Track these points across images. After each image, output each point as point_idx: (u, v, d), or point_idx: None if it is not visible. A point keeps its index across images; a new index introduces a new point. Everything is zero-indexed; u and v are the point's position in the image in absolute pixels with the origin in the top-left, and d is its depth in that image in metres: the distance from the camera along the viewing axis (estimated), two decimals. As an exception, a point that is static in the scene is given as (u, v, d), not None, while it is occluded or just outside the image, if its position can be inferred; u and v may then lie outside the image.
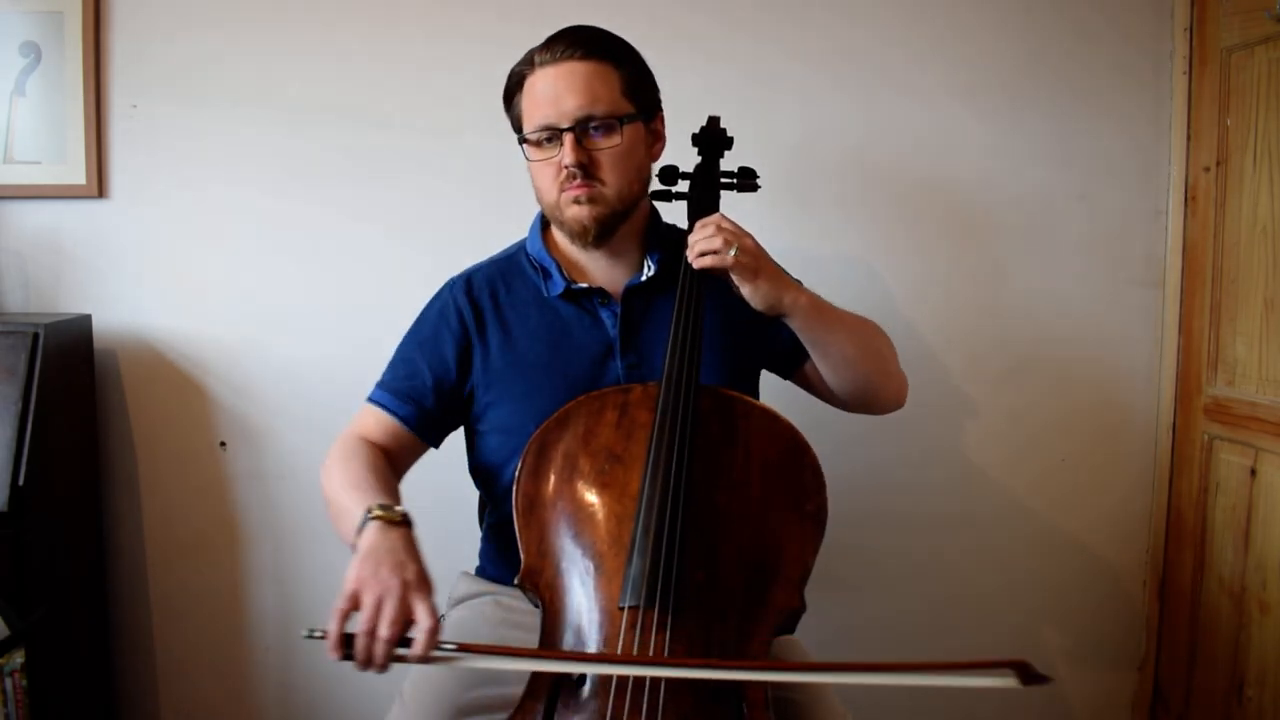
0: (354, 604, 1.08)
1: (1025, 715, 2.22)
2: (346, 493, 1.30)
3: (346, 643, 1.07)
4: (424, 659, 1.06)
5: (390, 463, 1.41)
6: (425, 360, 1.46)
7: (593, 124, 1.34)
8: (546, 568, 1.25)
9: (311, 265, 2.09)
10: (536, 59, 1.36)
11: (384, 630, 1.06)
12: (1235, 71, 1.96)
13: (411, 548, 1.17)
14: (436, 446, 1.50)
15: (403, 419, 1.44)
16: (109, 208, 2.06)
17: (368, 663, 1.08)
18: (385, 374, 1.49)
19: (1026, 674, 1.04)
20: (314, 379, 2.09)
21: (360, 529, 1.19)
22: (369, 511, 1.19)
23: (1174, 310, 2.13)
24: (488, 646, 1.13)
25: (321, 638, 1.07)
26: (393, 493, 1.31)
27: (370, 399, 1.47)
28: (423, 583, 1.12)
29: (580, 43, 1.35)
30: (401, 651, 1.07)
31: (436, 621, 1.08)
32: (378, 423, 1.45)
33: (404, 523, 1.19)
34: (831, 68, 2.08)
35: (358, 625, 1.07)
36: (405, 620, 1.08)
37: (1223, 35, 1.99)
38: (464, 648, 1.09)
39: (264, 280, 2.09)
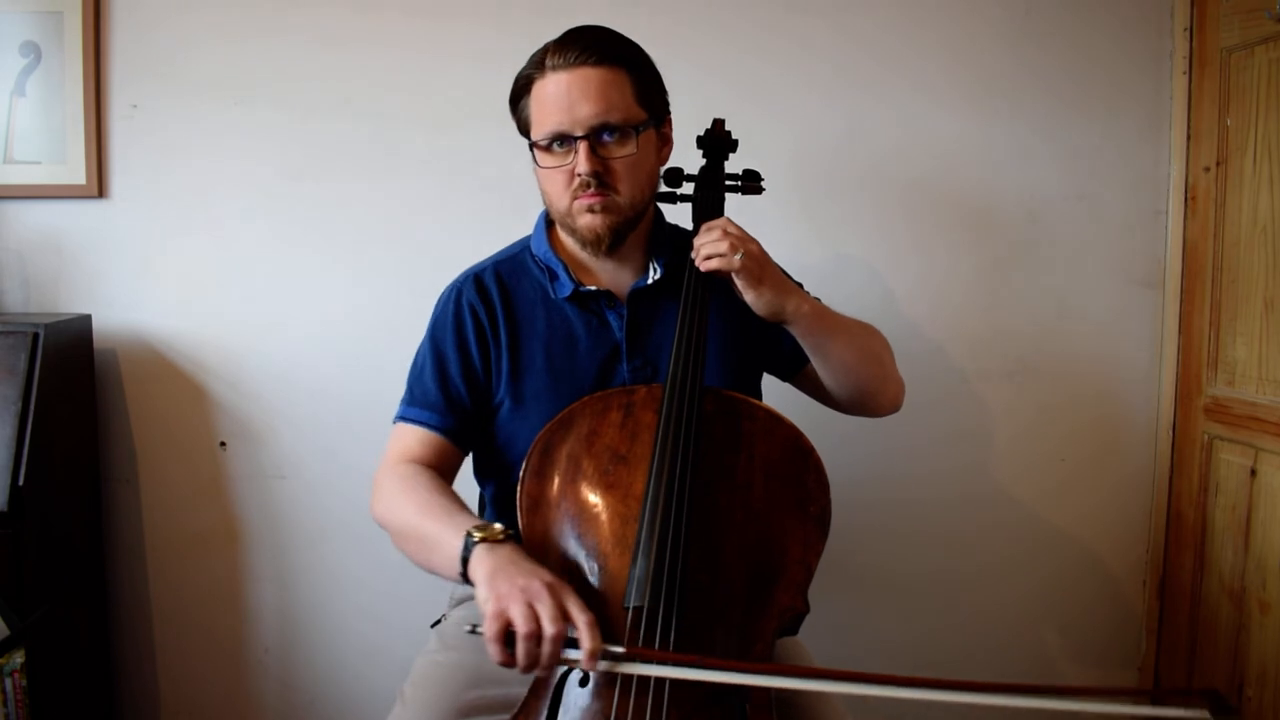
0: (505, 621, 1.07)
1: (1026, 713, 2.22)
2: (427, 524, 1.26)
3: (508, 642, 1.07)
4: (594, 655, 1.06)
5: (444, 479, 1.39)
6: (452, 364, 1.43)
7: (607, 132, 1.32)
8: (550, 568, 1.24)
9: (312, 265, 2.09)
10: (547, 62, 1.33)
11: (550, 628, 1.05)
12: (1235, 71, 1.96)
13: (528, 556, 1.16)
14: (467, 453, 1.47)
15: (444, 431, 1.41)
16: (109, 208, 2.06)
17: (533, 666, 1.07)
18: (411, 391, 1.45)
19: (1219, 706, 0.98)
20: (314, 379, 2.09)
21: (467, 557, 1.17)
22: (470, 536, 1.17)
23: (1174, 310, 2.13)
24: (655, 653, 1.10)
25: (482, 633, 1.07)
26: (470, 511, 1.29)
27: (404, 418, 1.43)
28: (564, 583, 1.12)
29: (594, 47, 1.32)
30: (570, 655, 1.06)
31: (593, 617, 1.07)
32: (419, 442, 1.40)
33: (510, 539, 1.18)
34: (833, 70, 2.08)
35: (519, 631, 1.06)
36: (564, 615, 1.07)
37: (1223, 35, 1.99)
38: (631, 651, 1.08)
39: (264, 280, 2.09)
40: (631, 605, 1.16)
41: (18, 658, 1.63)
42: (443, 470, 1.40)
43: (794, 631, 1.26)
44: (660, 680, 1.12)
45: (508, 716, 1.17)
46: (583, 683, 1.16)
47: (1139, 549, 2.22)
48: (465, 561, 1.17)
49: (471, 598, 1.50)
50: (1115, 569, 2.22)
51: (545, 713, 1.15)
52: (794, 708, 1.31)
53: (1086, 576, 2.22)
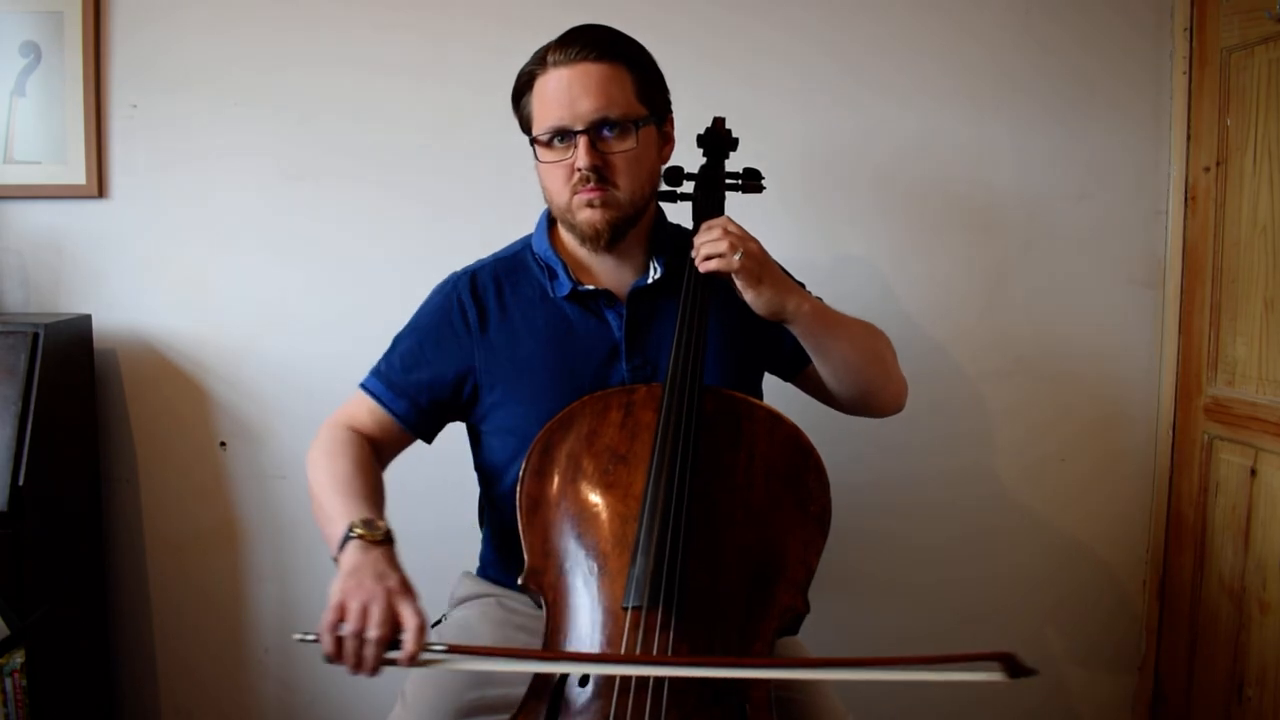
0: (341, 614, 1.11)
1: (1025, 715, 2.23)
2: (332, 496, 1.30)
3: (337, 646, 1.10)
4: (413, 659, 1.08)
5: (377, 453, 1.42)
6: (424, 355, 1.45)
7: (607, 127, 1.33)
8: (550, 568, 1.25)
9: (312, 265, 2.09)
10: (549, 58, 1.34)
11: (372, 632, 1.09)
12: (1235, 71, 1.96)
13: (393, 561, 1.19)
14: (429, 442, 1.50)
15: (396, 414, 1.44)
16: (109, 208, 2.06)
17: (358, 666, 1.10)
18: (381, 362, 1.48)
19: (1014, 667, 1.04)
20: (314, 379, 2.09)
21: (342, 546, 1.20)
22: (351, 529, 1.20)
23: (1174, 310, 2.13)
24: (477, 648, 1.15)
25: (314, 640, 1.10)
26: (377, 495, 1.33)
27: (364, 386, 1.47)
28: (406, 589, 1.14)
29: (595, 44, 1.33)
30: (392, 655, 1.09)
31: (423, 622, 1.10)
32: (369, 413, 1.45)
33: (385, 541, 1.21)
34: (833, 68, 2.08)
35: (347, 630, 1.10)
36: (393, 623, 1.10)
37: (1223, 35, 1.99)
38: (454, 649, 1.10)
39: (264, 280, 2.09)
40: (631, 605, 1.16)
41: (18, 658, 1.63)
42: (382, 447, 1.44)
43: (794, 631, 1.26)
44: (659, 681, 1.12)
45: (508, 716, 1.17)
46: (583, 683, 1.16)
47: (1139, 549, 2.22)
48: (342, 550, 1.20)
49: (473, 598, 1.51)
50: (1115, 569, 2.22)
51: (545, 713, 1.15)
52: (794, 706, 1.31)
53: (1086, 576, 2.22)
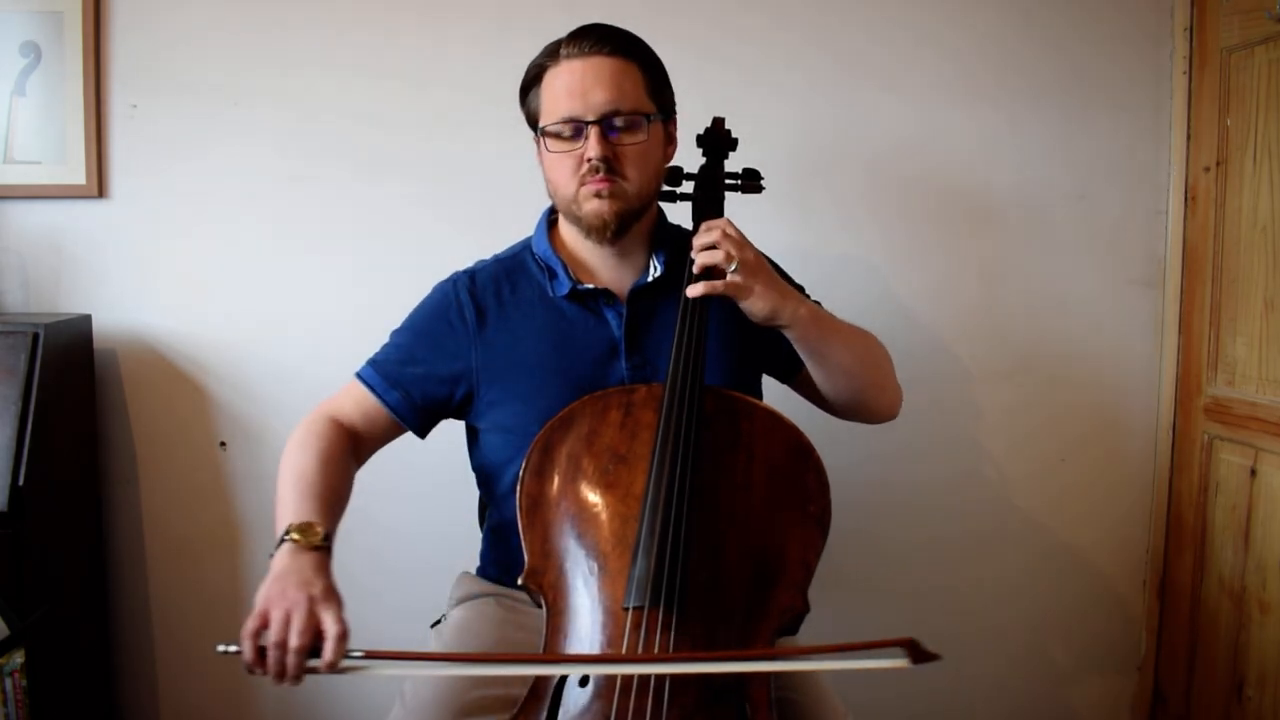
0: (264, 622, 1.10)
1: (1025, 714, 2.23)
2: (286, 492, 1.31)
3: (260, 656, 1.10)
4: (333, 667, 1.08)
5: (356, 445, 1.43)
6: (420, 351, 1.46)
7: (618, 119, 1.34)
8: (550, 568, 1.25)
9: (312, 265, 2.09)
10: (562, 51, 1.36)
11: (293, 640, 1.08)
12: (1235, 71, 1.96)
13: (321, 568, 1.18)
14: (422, 436, 1.50)
15: (387, 403, 1.44)
16: (109, 208, 2.06)
17: (280, 675, 1.10)
18: (379, 353, 1.49)
19: (916, 652, 1.05)
20: (314, 379, 2.07)
21: (276, 546, 1.20)
22: (287, 532, 1.21)
23: (1174, 310, 2.13)
24: (395, 653, 1.13)
25: (236, 653, 1.10)
26: (333, 495, 1.32)
27: (359, 375, 1.47)
28: (329, 596, 1.14)
29: (608, 39, 1.35)
30: (313, 663, 1.09)
31: (343, 630, 1.10)
32: (358, 403, 1.45)
33: (319, 548, 1.21)
34: (833, 69, 2.09)
35: (269, 639, 1.09)
36: (314, 630, 1.10)
37: (1223, 35, 1.99)
38: (371, 654, 1.09)
39: (264, 280, 2.09)
40: (631, 605, 1.16)
41: (18, 658, 1.63)
42: (366, 437, 1.44)
43: (794, 631, 1.26)
44: (660, 679, 1.12)
45: (508, 717, 1.18)
46: (583, 683, 1.16)
47: (1139, 549, 2.22)
48: (275, 550, 1.20)
49: (473, 598, 1.51)
50: (1115, 569, 2.22)
51: (545, 713, 1.15)
52: (794, 706, 1.31)
53: (1086, 576, 2.22)
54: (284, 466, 1.36)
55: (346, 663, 1.09)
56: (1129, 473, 2.20)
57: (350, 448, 1.41)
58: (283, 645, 1.09)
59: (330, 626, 1.10)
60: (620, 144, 1.35)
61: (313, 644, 1.09)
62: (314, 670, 1.09)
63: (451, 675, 1.31)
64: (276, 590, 1.13)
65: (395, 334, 1.50)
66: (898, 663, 1.04)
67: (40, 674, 1.70)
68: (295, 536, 1.20)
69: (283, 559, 1.18)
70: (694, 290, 1.32)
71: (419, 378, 1.45)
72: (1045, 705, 2.24)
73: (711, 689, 1.14)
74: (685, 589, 1.16)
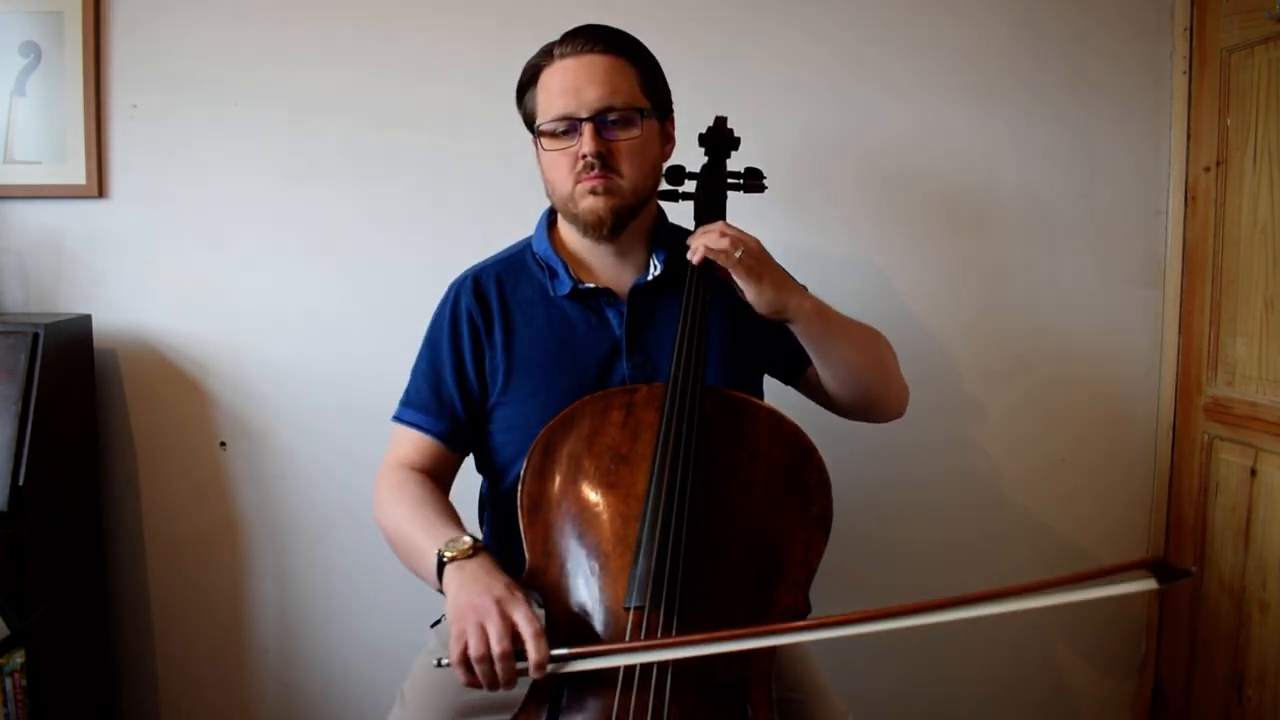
0: (463, 644, 1.13)
1: (1026, 714, 2.23)
2: (410, 534, 1.32)
3: (471, 674, 1.13)
4: (541, 667, 1.10)
5: (437, 483, 1.43)
6: (446, 368, 1.46)
7: (612, 115, 1.34)
8: (551, 568, 1.25)
9: (312, 265, 2.08)
10: (556, 51, 1.37)
11: (495, 648, 1.11)
12: (1235, 71, 1.96)
13: (491, 569, 1.20)
14: (464, 456, 1.50)
15: (437, 435, 1.44)
16: (109, 208, 2.06)
17: (495, 686, 1.12)
18: (409, 392, 1.49)
19: (1163, 571, 0.99)
20: (314, 379, 2.09)
21: (440, 574, 1.23)
22: (441, 555, 1.23)
23: (1174, 310, 2.13)
24: (595, 649, 1.13)
25: (447, 665, 1.14)
26: (451, 514, 1.34)
27: (400, 419, 1.47)
28: (513, 594, 1.16)
29: (600, 38, 1.36)
30: (522, 665, 1.11)
31: (539, 627, 1.12)
32: (414, 445, 1.45)
33: (476, 553, 1.23)
34: (834, 69, 2.08)
35: (470, 655, 1.12)
36: (512, 634, 1.12)
37: (1223, 35, 1.99)
38: (575, 653, 1.11)
39: (264, 280, 2.08)
40: (633, 605, 1.16)
41: (18, 658, 1.63)
42: (437, 473, 1.44)
43: (795, 631, 1.26)
44: (661, 679, 1.12)
45: (508, 717, 1.18)
46: (584, 683, 1.16)
47: (1139, 549, 2.22)
48: (442, 579, 1.22)
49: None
50: (1115, 569, 2.22)
51: (545, 713, 1.15)
52: (795, 706, 1.31)
53: (1086, 576, 2.22)
54: (388, 523, 1.38)
55: (552, 664, 1.11)
56: (1129, 472, 2.20)
57: (438, 485, 1.43)
58: (485, 657, 1.11)
59: (525, 627, 1.12)
60: (615, 140, 1.35)
61: (515, 646, 1.11)
62: (525, 673, 1.11)
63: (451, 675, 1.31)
64: (465, 603, 1.15)
65: (416, 363, 1.50)
66: (1146, 585, 0.99)
67: (40, 674, 1.70)
68: (451, 554, 1.23)
69: (453, 577, 1.20)
70: (699, 254, 1.33)
71: (452, 395, 1.45)
72: (1046, 705, 2.24)
73: (713, 688, 1.15)
74: (687, 589, 1.16)
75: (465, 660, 1.12)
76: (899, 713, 2.17)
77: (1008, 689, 2.23)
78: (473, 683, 1.12)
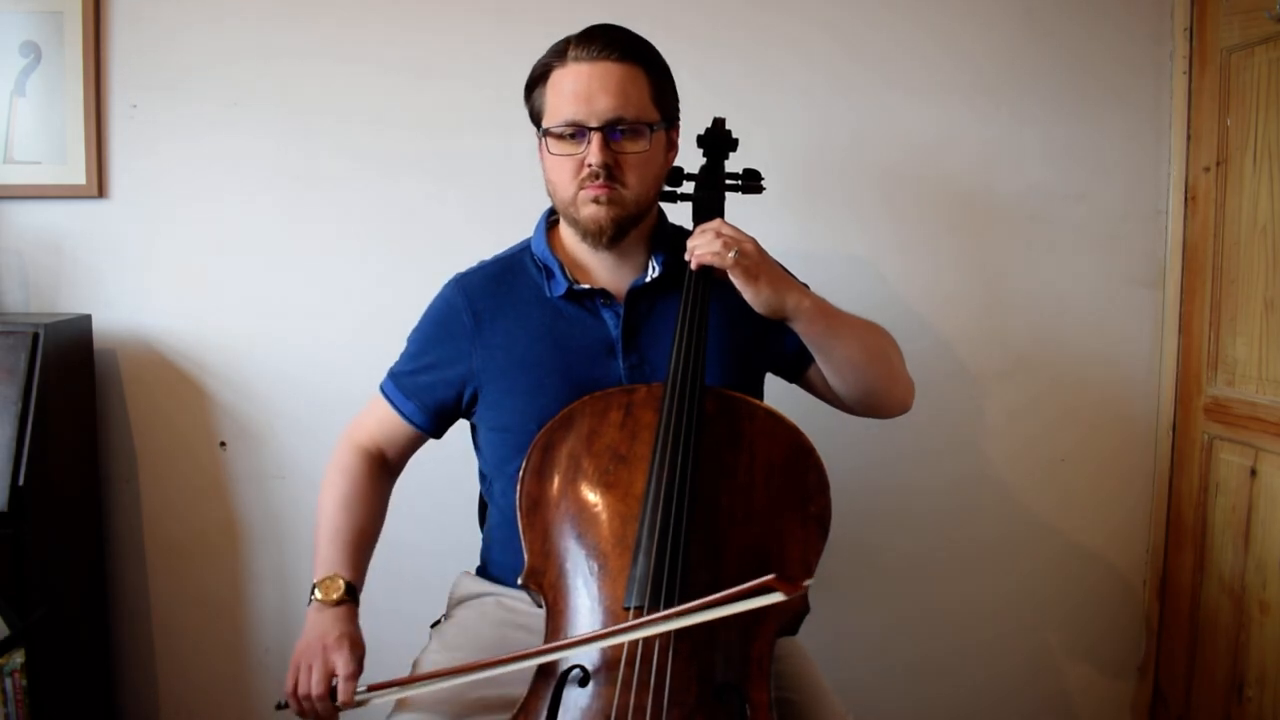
0: (294, 679, 1.28)
1: (1026, 715, 2.23)
2: (319, 532, 1.42)
3: (300, 706, 1.28)
4: (347, 704, 1.25)
5: (385, 464, 1.52)
6: (428, 358, 1.48)
7: (621, 126, 1.33)
8: (550, 568, 1.25)
9: (312, 265, 2.08)
10: (570, 53, 1.34)
11: (313, 690, 1.25)
12: (1235, 71, 1.96)
13: (338, 619, 1.31)
14: (438, 438, 1.54)
15: (404, 414, 1.49)
16: (109, 208, 2.06)
17: (313, 716, 1.27)
18: (397, 363, 1.53)
19: (785, 585, 1.05)
20: (314, 379, 2.09)
21: (308, 603, 1.35)
22: (311, 591, 1.34)
23: (1174, 310, 2.13)
24: (398, 681, 1.24)
25: (286, 707, 1.29)
26: (357, 536, 1.42)
27: (382, 388, 1.52)
28: (341, 642, 1.28)
29: (617, 44, 1.33)
30: (337, 702, 1.26)
31: (352, 670, 1.26)
32: (380, 420, 1.51)
33: (340, 601, 1.33)
34: (834, 69, 2.09)
35: (298, 692, 1.27)
36: (329, 677, 1.26)
37: (1223, 35, 1.99)
38: (372, 688, 1.23)
39: (264, 280, 2.08)
40: (632, 605, 1.16)
41: (18, 658, 1.63)
42: (395, 453, 1.53)
43: (794, 632, 1.26)
44: (660, 679, 1.12)
45: (508, 716, 1.18)
46: (583, 683, 1.16)
47: (1139, 549, 2.22)
48: (308, 606, 1.35)
49: (474, 597, 1.51)
50: (1115, 569, 2.22)
51: (545, 712, 1.15)
52: (795, 706, 1.31)
53: (1086, 576, 2.22)
54: (318, 507, 1.46)
55: (359, 698, 1.24)
56: (1129, 473, 2.20)
57: (377, 472, 1.50)
58: (308, 695, 1.26)
59: (340, 669, 1.26)
60: (622, 151, 1.34)
61: (330, 689, 1.26)
62: (340, 708, 1.26)
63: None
64: (302, 646, 1.30)
65: (408, 342, 1.53)
66: (774, 598, 1.06)
67: (40, 674, 1.70)
68: (318, 595, 1.34)
69: (310, 617, 1.33)
70: (698, 259, 1.34)
71: (430, 385, 1.48)
72: (1046, 705, 2.24)
73: (712, 688, 1.15)
74: (685, 589, 1.16)
75: (294, 693, 1.27)
76: (899, 713, 2.17)
77: (1008, 689, 2.23)
78: (300, 713, 1.27)
